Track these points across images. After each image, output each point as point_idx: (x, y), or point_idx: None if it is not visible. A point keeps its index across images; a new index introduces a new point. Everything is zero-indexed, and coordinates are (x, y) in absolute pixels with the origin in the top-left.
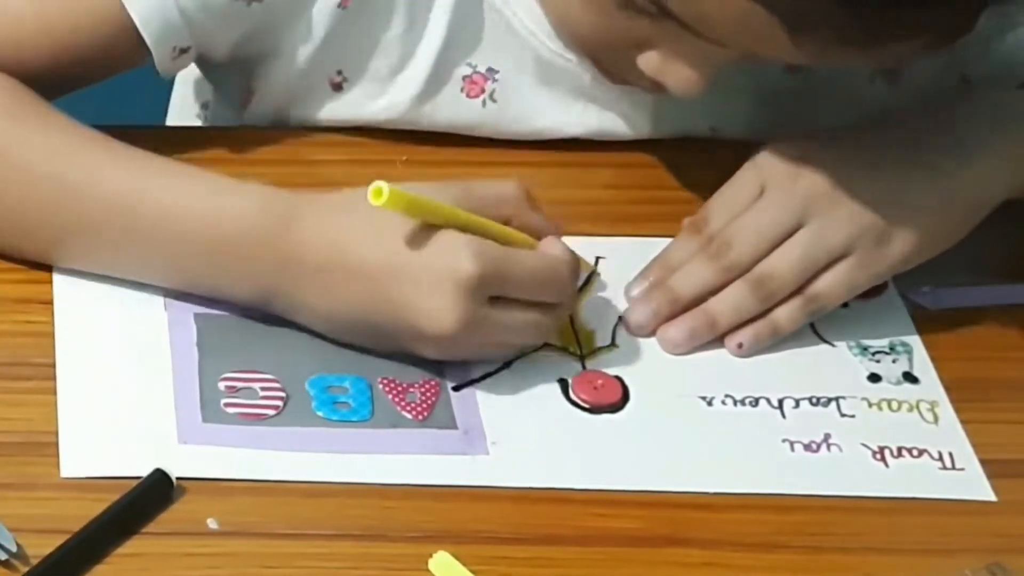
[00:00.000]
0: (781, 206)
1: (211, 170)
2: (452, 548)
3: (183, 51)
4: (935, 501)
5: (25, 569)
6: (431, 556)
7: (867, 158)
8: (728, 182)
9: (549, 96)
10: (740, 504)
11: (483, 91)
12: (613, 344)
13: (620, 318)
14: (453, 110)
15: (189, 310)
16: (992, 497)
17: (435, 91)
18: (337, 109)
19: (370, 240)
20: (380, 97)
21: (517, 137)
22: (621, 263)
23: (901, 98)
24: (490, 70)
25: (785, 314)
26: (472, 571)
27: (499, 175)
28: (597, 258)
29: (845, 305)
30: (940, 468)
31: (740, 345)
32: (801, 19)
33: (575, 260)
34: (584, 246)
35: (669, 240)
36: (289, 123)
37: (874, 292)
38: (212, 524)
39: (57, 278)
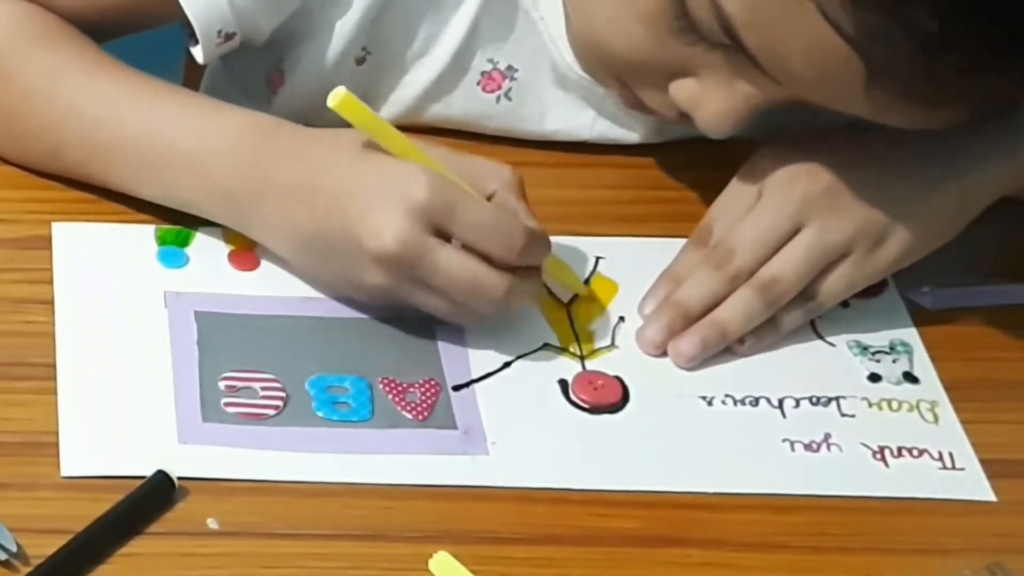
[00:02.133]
0: (779, 209)
1: None
2: (452, 548)
3: (228, 37)
4: (935, 501)
5: (25, 569)
6: (431, 556)
7: (861, 157)
8: (726, 188)
9: (564, 100)
10: (740, 504)
11: (500, 88)
12: (613, 344)
13: (620, 318)
14: (467, 102)
15: (190, 308)
16: (992, 497)
17: (453, 79)
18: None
19: (335, 162)
20: (400, 77)
21: (526, 137)
22: (621, 263)
23: None
24: (510, 68)
25: (786, 314)
26: (472, 571)
27: None
28: (597, 258)
29: (845, 305)
30: (940, 468)
31: (742, 341)
32: (883, 68)
33: (526, 226)
34: (584, 246)
35: (670, 240)
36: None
37: (874, 292)
38: (212, 524)
39: (57, 278)
